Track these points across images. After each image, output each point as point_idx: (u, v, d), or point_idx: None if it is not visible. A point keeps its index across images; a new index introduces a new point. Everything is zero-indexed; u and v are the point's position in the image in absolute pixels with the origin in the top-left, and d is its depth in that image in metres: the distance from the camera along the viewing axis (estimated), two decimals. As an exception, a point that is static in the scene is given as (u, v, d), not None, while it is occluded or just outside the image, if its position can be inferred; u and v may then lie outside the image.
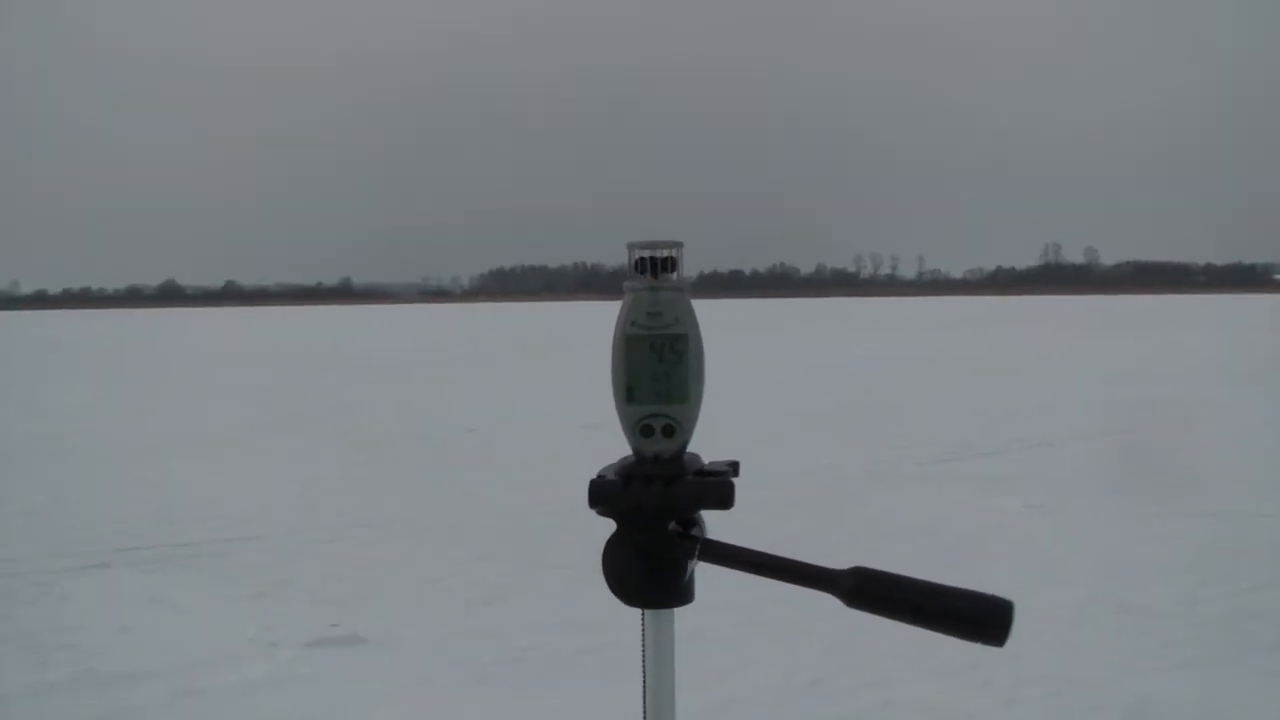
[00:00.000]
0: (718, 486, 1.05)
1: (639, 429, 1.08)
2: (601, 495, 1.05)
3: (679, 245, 1.09)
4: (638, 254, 1.09)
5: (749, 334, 31.67)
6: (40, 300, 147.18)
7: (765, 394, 13.94)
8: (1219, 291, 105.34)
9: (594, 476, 1.07)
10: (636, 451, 1.09)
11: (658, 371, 1.08)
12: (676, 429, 1.08)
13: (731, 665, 4.00)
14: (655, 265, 1.08)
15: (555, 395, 14.15)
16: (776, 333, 33.34)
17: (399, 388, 15.96)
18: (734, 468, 1.15)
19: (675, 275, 1.09)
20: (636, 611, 1.10)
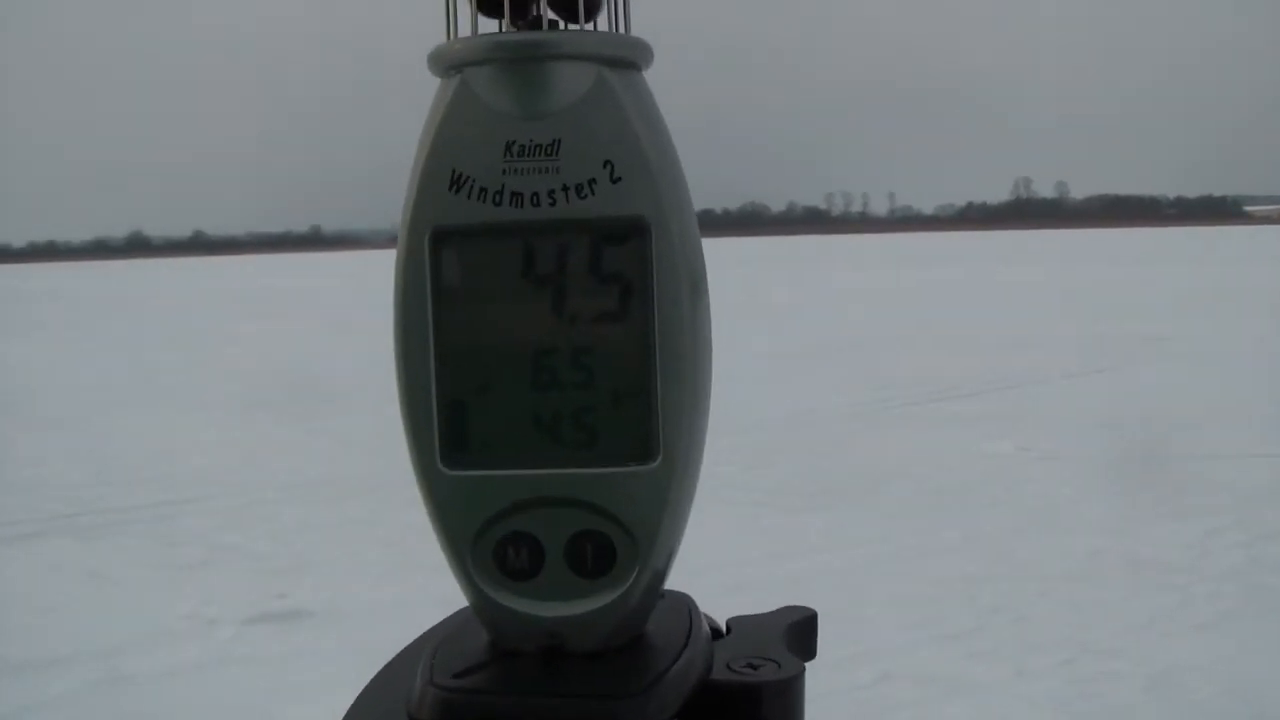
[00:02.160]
0: None
1: (490, 547, 0.44)
2: None
3: None
4: None
5: (722, 273, 31.37)
6: (3, 254, 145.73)
7: (742, 335, 13.63)
8: (1190, 224, 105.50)
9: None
10: (486, 619, 0.45)
11: (555, 345, 0.43)
12: (622, 545, 0.43)
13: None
14: None
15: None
16: (750, 272, 33.07)
17: (364, 338, 15.58)
18: (801, 633, 0.51)
19: (601, 25, 0.43)
20: None
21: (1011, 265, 32.00)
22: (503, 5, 0.42)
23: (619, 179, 0.41)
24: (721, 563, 4.06)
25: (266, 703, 3.34)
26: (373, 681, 0.47)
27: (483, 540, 0.44)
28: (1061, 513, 5.06)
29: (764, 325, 14.98)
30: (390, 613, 4.02)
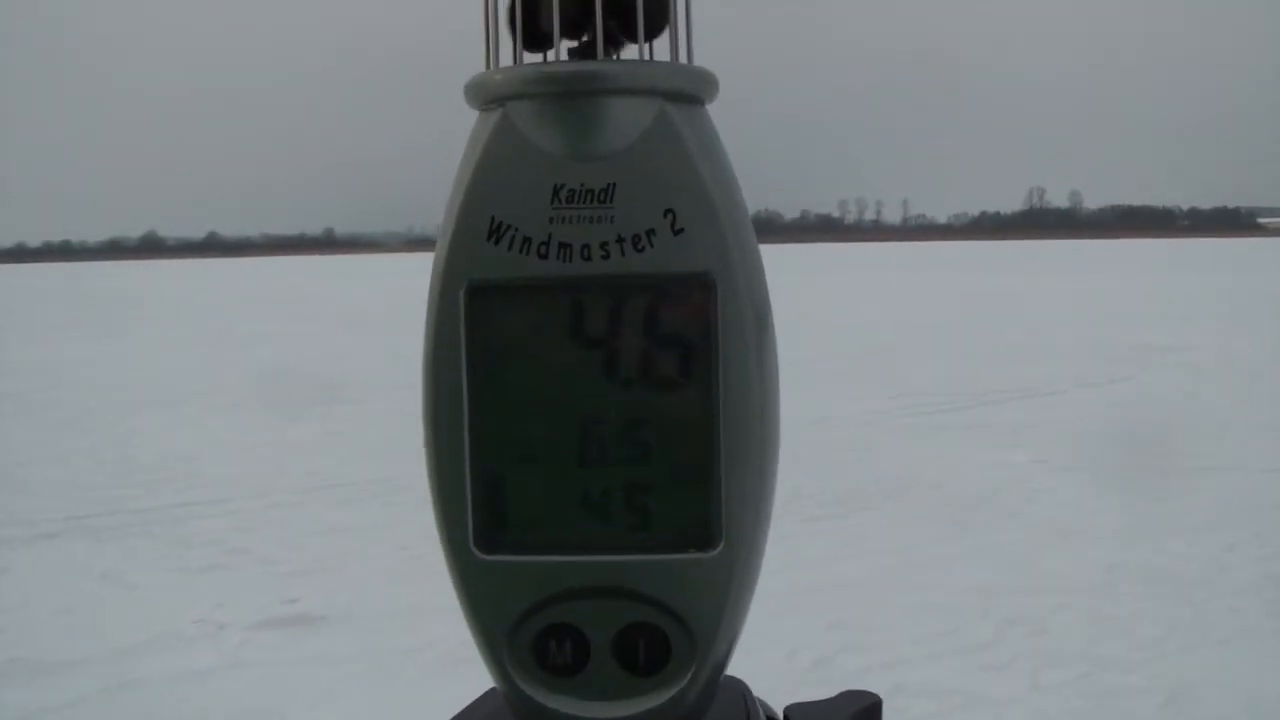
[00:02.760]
0: None
1: (529, 640, 0.40)
2: None
3: None
4: None
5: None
6: (19, 254, 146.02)
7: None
8: (1203, 235, 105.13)
9: None
10: (523, 714, 0.41)
11: (604, 417, 0.38)
12: (678, 640, 0.40)
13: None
14: (589, 12, 0.37)
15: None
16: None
17: (380, 341, 15.56)
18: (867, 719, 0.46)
19: (663, 50, 0.38)
20: None
21: (1025, 274, 31.89)
22: (552, 35, 0.37)
23: (681, 230, 0.37)
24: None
25: (277, 707, 3.33)
26: None
27: (521, 632, 0.40)
28: (1077, 524, 5.04)
29: (779, 332, 14.92)
30: (403, 619, 4.01)
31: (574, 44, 0.38)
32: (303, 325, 18.61)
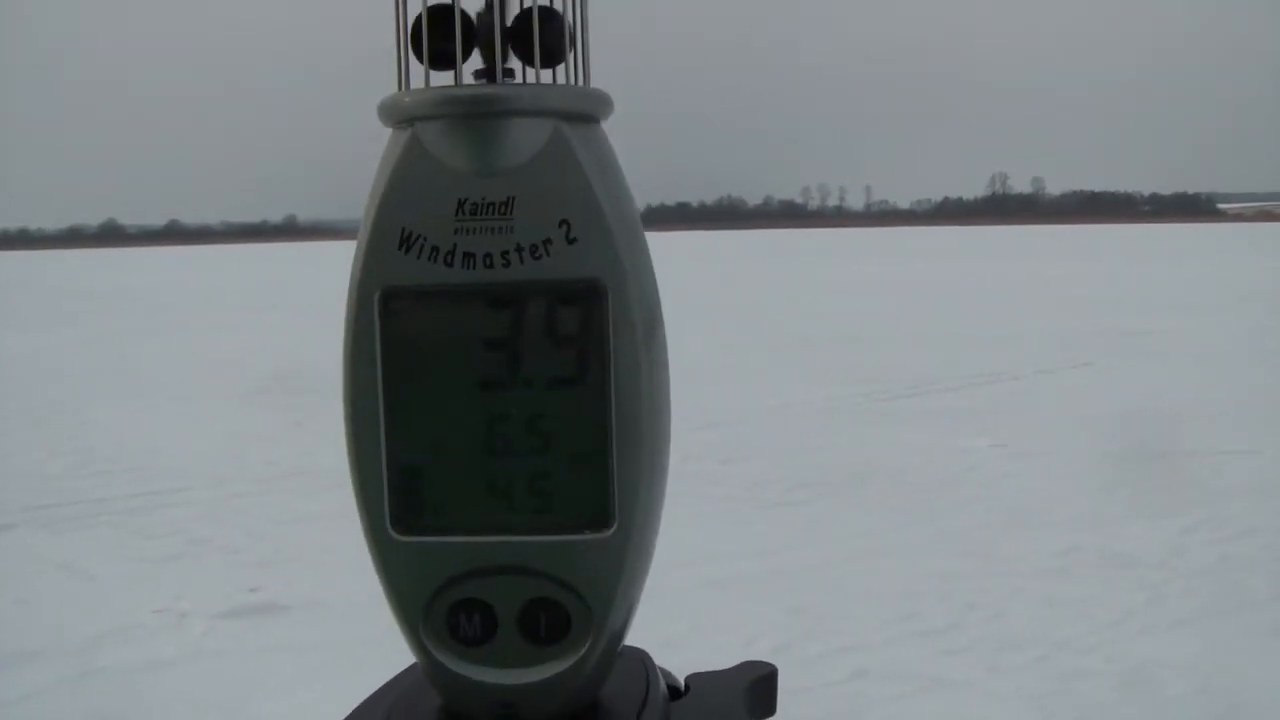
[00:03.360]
0: None
1: (443, 614, 0.43)
2: None
3: None
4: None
5: (697, 267, 31.39)
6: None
7: (718, 328, 13.62)
8: (1165, 221, 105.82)
9: None
10: (439, 684, 0.44)
11: (507, 411, 0.41)
12: (577, 613, 0.42)
13: (684, 629, 3.64)
14: (492, 36, 0.40)
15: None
16: (726, 265, 33.03)
17: (340, 327, 15.49)
18: (762, 690, 0.50)
19: (561, 76, 0.41)
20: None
21: (987, 260, 32.05)
22: (454, 58, 0.39)
23: (575, 239, 0.39)
24: (698, 558, 4.06)
25: (240, 696, 3.32)
26: None
27: (435, 607, 0.43)
28: (1036, 509, 5.08)
29: (741, 319, 14.98)
30: (366, 609, 4.00)
31: (480, 66, 0.41)
32: (263, 314, 18.52)
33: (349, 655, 3.57)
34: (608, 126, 0.42)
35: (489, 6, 0.40)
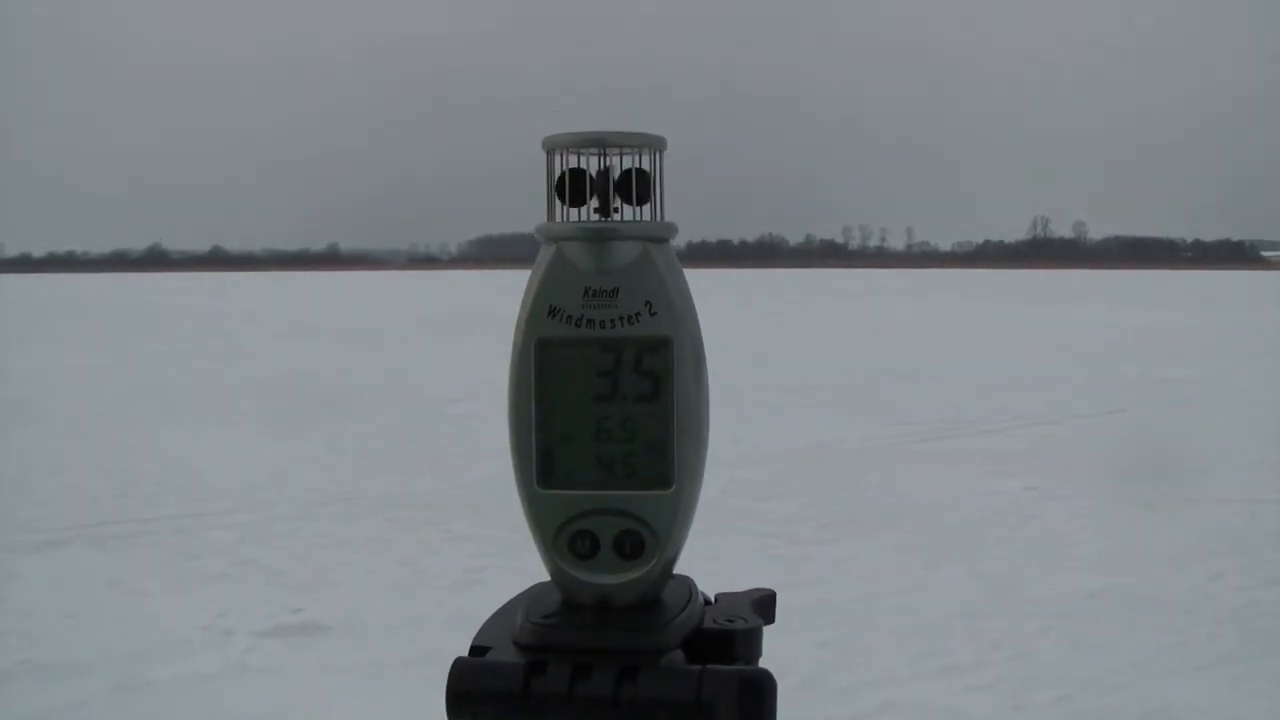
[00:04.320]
0: (753, 685, 0.56)
1: (566, 539, 0.63)
2: (478, 700, 0.57)
3: (659, 144, 0.63)
4: (564, 158, 0.63)
5: (736, 305, 31.44)
6: (24, 264, 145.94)
7: (754, 367, 13.69)
8: (1206, 267, 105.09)
9: (471, 645, 0.60)
10: (562, 586, 0.64)
11: (610, 415, 0.62)
12: (649, 540, 0.62)
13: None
14: (606, 188, 0.63)
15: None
16: (766, 304, 33.07)
17: (382, 357, 15.66)
18: (766, 605, 0.68)
19: (647, 212, 0.63)
20: None
21: (1028, 304, 31.96)
22: (584, 200, 0.63)
23: (655, 313, 0.62)
24: (731, 589, 4.13)
25: (281, 712, 3.42)
26: (487, 622, 0.65)
27: (561, 534, 0.63)
28: (1066, 551, 5.13)
29: (779, 358, 15.04)
30: (404, 630, 4.11)
31: (597, 204, 0.64)
32: (305, 341, 18.71)
33: (386, 675, 3.68)
34: (676, 242, 0.65)
35: (604, 168, 0.63)
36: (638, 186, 0.63)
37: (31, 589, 4.68)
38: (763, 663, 0.64)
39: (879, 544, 5.31)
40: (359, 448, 8.08)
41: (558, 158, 0.63)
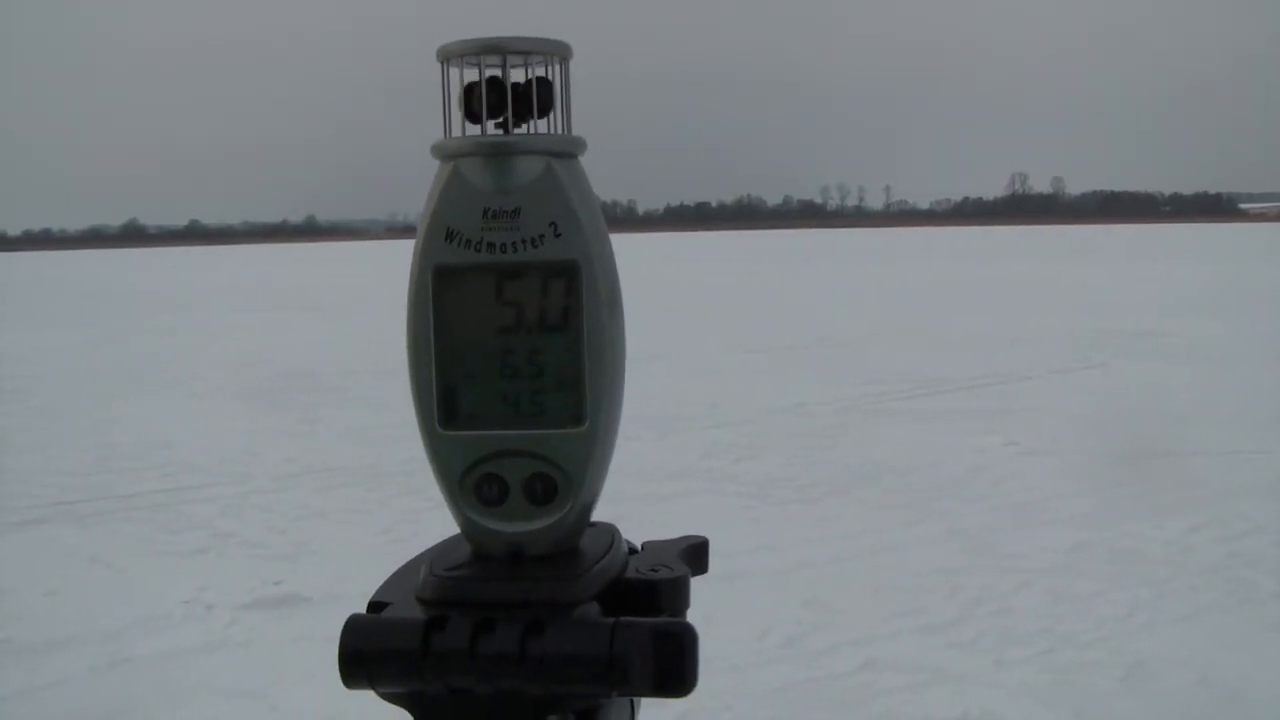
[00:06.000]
0: (669, 638, 0.54)
1: (472, 484, 0.59)
2: (374, 660, 0.54)
3: (563, 52, 0.59)
4: (459, 69, 0.59)
5: (714, 266, 31.43)
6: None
7: (732, 327, 13.69)
8: (1186, 221, 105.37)
9: (369, 602, 0.58)
10: (470, 535, 0.60)
11: (515, 348, 0.59)
12: (561, 483, 0.59)
13: (698, 622, 3.73)
14: (502, 99, 0.58)
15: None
16: (745, 266, 33.05)
17: (355, 326, 15.61)
18: (697, 553, 0.67)
19: (548, 124, 0.59)
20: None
21: (1006, 261, 32.03)
22: (481, 115, 0.58)
23: (560, 234, 0.58)
24: (711, 553, 4.14)
25: (265, 685, 3.42)
26: (390, 577, 0.62)
27: (467, 479, 0.59)
28: (1045, 507, 5.15)
29: (756, 319, 15.05)
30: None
31: (498, 119, 0.59)
32: (283, 313, 18.65)
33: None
34: (585, 158, 0.61)
35: (506, 78, 0.59)
36: (539, 97, 0.58)
37: (9, 568, 4.66)
38: (709, 616, 0.62)
39: (856, 504, 5.31)
40: (332, 420, 8.04)
41: (455, 69, 0.58)
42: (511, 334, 0.58)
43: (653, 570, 0.61)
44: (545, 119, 0.59)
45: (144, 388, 10.07)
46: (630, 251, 20.41)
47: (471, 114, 0.58)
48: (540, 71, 0.59)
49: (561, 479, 0.58)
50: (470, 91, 0.58)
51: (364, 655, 0.54)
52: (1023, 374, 9.35)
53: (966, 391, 8.54)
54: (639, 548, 0.67)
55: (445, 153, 0.59)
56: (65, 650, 3.66)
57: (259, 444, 7.14)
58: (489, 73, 0.58)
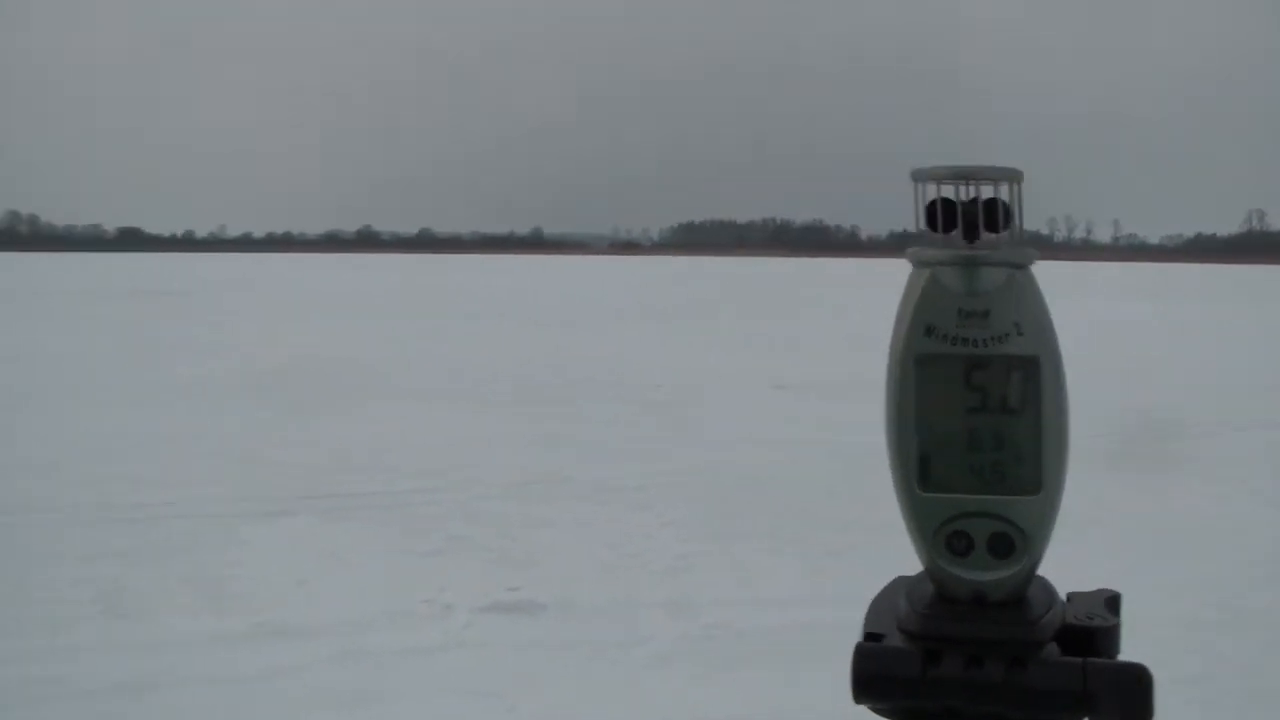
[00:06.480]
0: (1135, 678, 0.63)
1: (943, 538, 0.68)
2: (881, 683, 0.66)
3: (1016, 177, 0.68)
4: (935, 190, 0.67)
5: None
6: (245, 243, 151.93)
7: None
8: None
9: (864, 635, 0.67)
10: (937, 580, 0.69)
11: (981, 425, 0.68)
12: (1019, 541, 0.67)
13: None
14: (973, 216, 0.67)
15: (744, 353, 13.91)
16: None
17: (587, 340, 15.86)
18: (1113, 605, 0.72)
19: (1009, 234, 0.66)
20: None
21: (1237, 303, 30.74)
22: (953, 228, 0.66)
23: (1023, 333, 0.66)
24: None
25: (502, 687, 3.51)
26: (871, 608, 0.70)
27: (939, 534, 0.68)
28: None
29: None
30: (618, 612, 4.18)
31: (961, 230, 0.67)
32: (514, 324, 18.99)
33: (601, 656, 3.75)
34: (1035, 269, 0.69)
35: (972, 199, 0.66)
36: (998, 215, 0.66)
37: (261, 555, 4.90)
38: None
39: (1114, 562, 5.19)
40: (564, 430, 8.17)
41: (924, 188, 0.67)
42: (978, 414, 0.67)
43: (1089, 618, 0.69)
44: (1005, 231, 0.67)
45: (384, 390, 10.43)
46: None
47: (934, 223, 0.67)
48: (995, 192, 0.67)
49: (1019, 538, 0.67)
50: (942, 207, 0.67)
51: (872, 679, 0.64)
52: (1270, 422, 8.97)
53: (1206, 439, 8.24)
54: (1065, 598, 0.74)
55: (923, 260, 0.68)
56: (312, 639, 3.85)
57: (492, 452, 7.35)
58: (948, 191, 0.67)
